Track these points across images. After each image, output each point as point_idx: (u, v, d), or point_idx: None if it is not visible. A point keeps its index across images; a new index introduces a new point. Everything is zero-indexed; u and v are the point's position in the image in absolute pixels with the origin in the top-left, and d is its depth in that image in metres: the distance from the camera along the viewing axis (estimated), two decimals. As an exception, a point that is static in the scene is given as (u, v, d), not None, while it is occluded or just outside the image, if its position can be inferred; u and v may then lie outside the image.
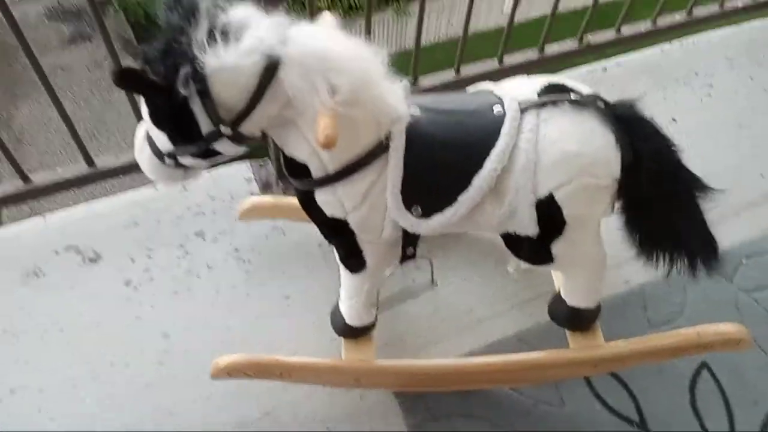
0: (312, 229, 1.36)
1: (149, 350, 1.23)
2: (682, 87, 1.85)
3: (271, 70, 0.79)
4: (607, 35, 1.84)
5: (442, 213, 0.93)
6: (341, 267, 1.07)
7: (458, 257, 1.39)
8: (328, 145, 0.78)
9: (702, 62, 1.93)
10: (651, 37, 1.90)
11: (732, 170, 1.64)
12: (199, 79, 0.77)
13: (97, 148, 6.29)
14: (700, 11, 1.93)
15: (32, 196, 1.31)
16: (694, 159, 1.65)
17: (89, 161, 1.33)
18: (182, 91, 0.77)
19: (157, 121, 0.84)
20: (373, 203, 0.92)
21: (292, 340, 1.25)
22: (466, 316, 1.32)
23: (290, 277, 1.34)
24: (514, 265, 1.35)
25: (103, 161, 1.35)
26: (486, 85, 1.01)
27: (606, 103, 0.95)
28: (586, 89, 0.97)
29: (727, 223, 1.53)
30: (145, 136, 0.89)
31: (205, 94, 0.78)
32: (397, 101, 0.89)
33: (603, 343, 1.16)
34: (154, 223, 1.39)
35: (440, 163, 0.92)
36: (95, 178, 1.35)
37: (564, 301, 1.15)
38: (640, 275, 1.41)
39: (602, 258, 1.08)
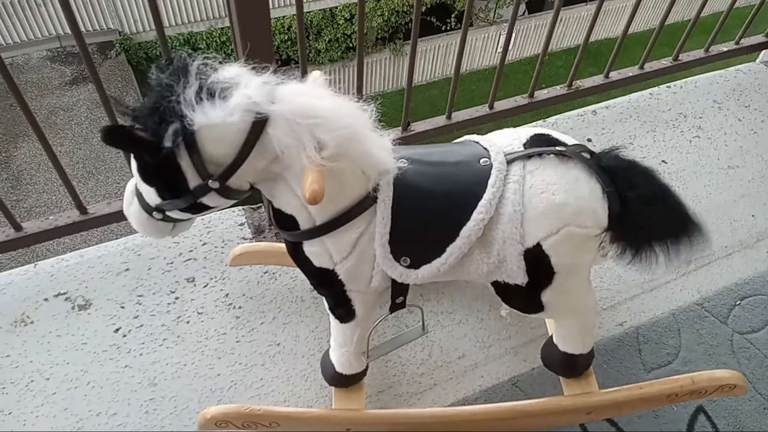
0: (303, 275, 1.37)
1: (136, 399, 1.21)
2: (671, 129, 1.88)
3: (258, 126, 0.80)
4: (595, 80, 1.88)
5: (431, 263, 0.93)
6: (331, 316, 1.06)
7: (452, 301, 1.39)
8: (314, 200, 0.79)
9: (690, 105, 1.96)
10: (639, 81, 1.95)
11: (723, 211, 1.65)
12: (187, 135, 0.78)
13: (96, 186, 6.33)
14: (685, 56, 1.98)
15: (24, 245, 1.31)
16: (684, 200, 1.66)
17: (82, 209, 1.33)
18: (170, 147, 0.78)
19: (146, 176, 0.85)
20: (362, 254, 0.92)
21: (281, 389, 1.23)
22: (460, 362, 1.30)
23: (281, 324, 1.33)
24: (508, 308, 1.35)
25: (96, 208, 1.36)
26: (472, 137, 1.02)
27: (591, 153, 0.96)
28: (571, 140, 0.98)
29: (720, 264, 1.53)
30: (134, 190, 0.90)
31: (193, 149, 0.79)
32: (385, 154, 0.90)
33: (597, 389, 1.15)
34: (145, 269, 1.39)
35: (428, 214, 0.93)
36: (87, 226, 1.35)
37: (557, 348, 1.14)
38: (634, 317, 1.41)
39: (593, 305, 1.08)
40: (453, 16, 9.30)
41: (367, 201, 0.90)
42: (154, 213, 0.89)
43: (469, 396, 1.25)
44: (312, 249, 0.93)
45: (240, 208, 1.53)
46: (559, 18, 1.62)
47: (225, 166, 0.82)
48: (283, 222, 0.92)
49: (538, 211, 0.90)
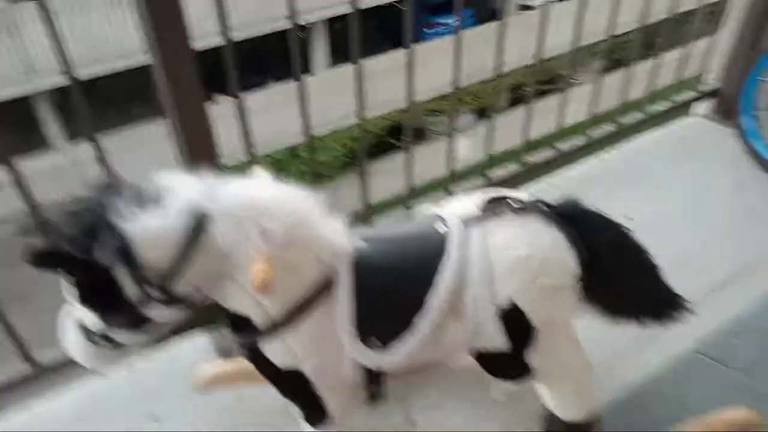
0: (276, 392, 1.26)
1: None
2: (630, 187, 1.90)
3: (199, 226, 0.77)
4: (546, 154, 1.92)
5: (403, 342, 0.86)
6: (304, 425, 0.96)
7: (439, 392, 1.28)
8: (264, 289, 0.74)
9: (641, 163, 2.01)
10: (587, 149, 2.00)
11: (696, 256, 1.62)
12: (122, 247, 0.74)
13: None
14: (626, 119, 2.06)
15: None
16: (655, 251, 1.63)
17: (28, 358, 1.23)
18: (103, 261, 0.73)
19: (81, 296, 0.80)
20: (327, 345, 0.85)
21: None
22: (460, 457, 1.18)
23: (258, 449, 1.20)
24: (499, 389, 1.25)
25: (46, 356, 1.26)
26: (430, 209, 1.00)
27: (548, 205, 0.94)
28: (525, 196, 0.97)
29: (707, 305, 1.46)
30: (75, 321, 0.84)
31: (129, 260, 0.75)
32: (338, 236, 0.87)
33: (612, 458, 1.03)
34: (102, 414, 1.26)
35: (391, 289, 0.88)
36: (38, 376, 1.24)
37: (558, 419, 1.04)
38: (634, 375, 1.32)
39: (585, 363, 1.00)
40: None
41: (326, 286, 0.85)
42: (99, 340, 0.82)
43: (477, 496, 1.12)
44: (273, 349, 0.86)
45: (205, 333, 1.44)
46: (507, 122, 1.73)
47: (165, 271, 0.78)
48: (239, 324, 0.86)
49: (505, 267, 0.86)
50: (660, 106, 2.17)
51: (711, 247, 1.65)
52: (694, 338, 1.39)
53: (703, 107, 2.26)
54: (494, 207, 0.92)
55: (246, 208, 0.79)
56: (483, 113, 10.55)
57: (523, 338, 0.88)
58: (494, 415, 1.23)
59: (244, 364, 1.26)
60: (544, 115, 1.91)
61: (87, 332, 0.82)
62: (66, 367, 1.27)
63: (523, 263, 0.86)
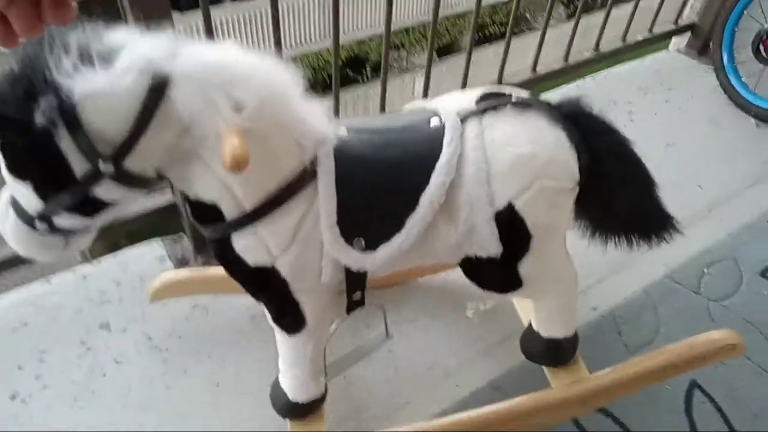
0: (240, 302, 1.18)
1: (45, 478, 0.97)
2: (604, 116, 1.85)
3: (157, 89, 0.65)
4: (523, 75, 1.86)
5: (390, 242, 0.79)
6: (276, 330, 0.89)
7: (412, 308, 1.24)
8: (238, 165, 0.63)
9: (617, 93, 1.96)
10: (564, 73, 1.93)
11: (670, 187, 1.58)
12: (65, 108, 0.62)
13: None
14: (605, 46, 2.00)
15: None
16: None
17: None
18: (43, 123, 0.61)
19: (17, 168, 0.67)
20: (306, 242, 0.77)
21: (227, 434, 1.03)
22: (431, 372, 1.15)
23: (218, 361, 1.13)
24: (474, 307, 1.21)
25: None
26: (417, 103, 0.91)
27: (549, 103, 0.87)
28: (524, 93, 0.89)
29: (679, 236, 1.48)
30: (9, 199, 0.72)
31: (74, 126, 0.63)
32: (319, 120, 0.76)
33: (589, 375, 1.02)
34: (48, 320, 1.16)
35: (379, 185, 0.79)
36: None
37: (538, 335, 1.01)
38: (607, 300, 1.31)
39: (574, 276, 0.96)
40: (368, 66, 9.50)
41: (305, 176, 0.75)
42: (37, 223, 0.70)
43: (447, 409, 1.09)
44: (244, 243, 0.76)
45: (159, 239, 1.34)
46: (472, 60, 1.65)
47: (119, 142, 0.66)
48: (205, 215, 0.76)
49: (504, 165, 0.79)
50: (639, 35, 2.12)
51: (683, 180, 1.65)
52: (666, 265, 1.39)
53: (680, 41, 2.23)
54: (493, 101, 0.84)
55: (214, 72, 0.67)
56: (445, 51, 10.37)
57: (518, 246, 0.82)
58: (468, 333, 1.20)
59: (202, 272, 1.18)
60: (513, 55, 1.85)
61: (24, 214, 0.71)
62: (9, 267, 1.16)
63: (525, 162, 0.79)
